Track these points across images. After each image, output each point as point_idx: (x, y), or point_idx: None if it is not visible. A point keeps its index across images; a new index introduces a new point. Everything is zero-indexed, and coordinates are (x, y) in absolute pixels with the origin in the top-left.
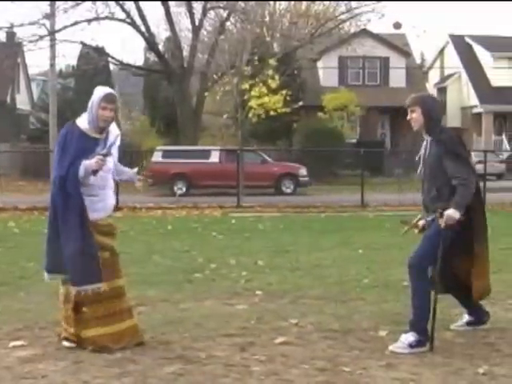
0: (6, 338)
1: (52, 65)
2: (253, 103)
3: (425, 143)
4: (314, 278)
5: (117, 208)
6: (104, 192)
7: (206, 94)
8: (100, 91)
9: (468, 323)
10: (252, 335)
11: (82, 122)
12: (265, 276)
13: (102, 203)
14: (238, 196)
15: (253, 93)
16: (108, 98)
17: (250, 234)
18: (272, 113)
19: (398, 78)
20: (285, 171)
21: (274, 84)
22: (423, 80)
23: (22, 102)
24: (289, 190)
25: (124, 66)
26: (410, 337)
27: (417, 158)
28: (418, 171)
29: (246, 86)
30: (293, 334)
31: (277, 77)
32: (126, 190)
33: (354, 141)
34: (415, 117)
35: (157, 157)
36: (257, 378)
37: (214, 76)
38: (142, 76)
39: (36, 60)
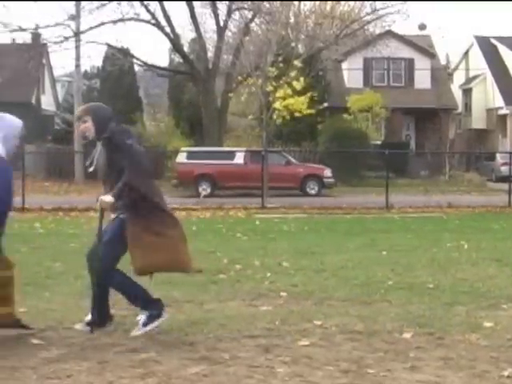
0: (31, 338)
1: (77, 66)
2: (277, 105)
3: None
4: (338, 279)
5: None
6: None
7: (231, 95)
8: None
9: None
10: (276, 336)
11: None
12: (289, 277)
13: None
14: (262, 197)
15: (277, 94)
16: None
17: (274, 236)
18: (297, 114)
19: (422, 79)
20: (309, 172)
21: (298, 85)
22: (448, 81)
23: (47, 103)
24: (313, 192)
25: (149, 67)
26: (142, 317)
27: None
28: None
29: (270, 87)
30: (317, 335)
31: (302, 78)
32: None
33: (379, 142)
34: (87, 126)
35: (181, 158)
36: (281, 380)
37: (239, 77)
38: (167, 77)
39: (61, 61)
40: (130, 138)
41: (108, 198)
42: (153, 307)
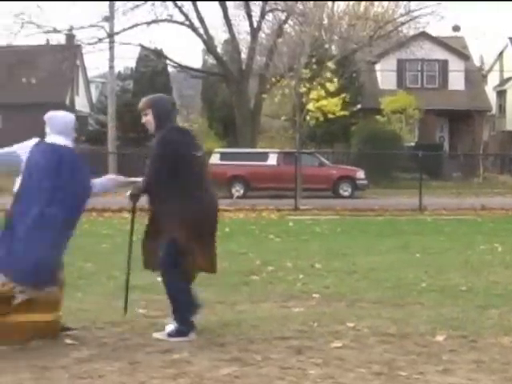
0: (64, 338)
1: (111, 67)
2: (311, 106)
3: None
4: (370, 281)
5: None
6: None
7: (264, 96)
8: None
9: None
10: (308, 338)
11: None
12: (322, 279)
13: None
14: (295, 199)
15: (311, 96)
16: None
17: (307, 237)
18: (330, 116)
19: (456, 80)
20: (342, 174)
21: (332, 87)
22: (482, 83)
23: (81, 104)
24: (346, 193)
25: (182, 68)
26: (171, 327)
27: None
28: None
29: (304, 88)
30: (349, 337)
31: (335, 80)
32: None
33: (413, 144)
34: (149, 119)
35: (215, 159)
36: (313, 381)
37: (272, 79)
38: (200, 78)
39: (95, 62)
40: (180, 141)
41: (127, 193)
42: (185, 325)
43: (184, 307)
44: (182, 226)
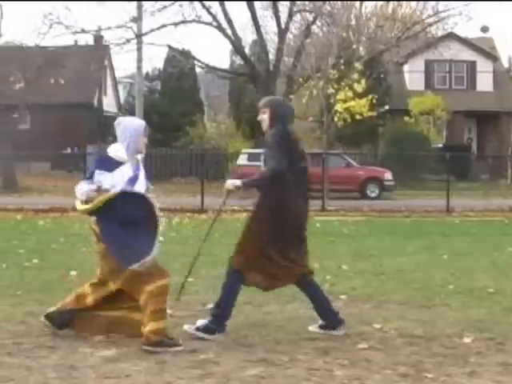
0: (89, 337)
1: (139, 67)
2: (338, 107)
3: None
4: (397, 282)
5: (202, 211)
6: None
7: (292, 97)
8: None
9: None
10: (335, 339)
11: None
12: (348, 280)
13: None
14: (322, 200)
15: (338, 96)
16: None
17: (334, 238)
18: (358, 117)
19: (484, 82)
20: (370, 175)
21: (359, 88)
22: (510, 84)
23: (109, 105)
24: (374, 194)
25: (210, 69)
26: (202, 321)
27: None
28: None
29: (331, 89)
30: (376, 338)
31: (363, 80)
32: (210, 193)
33: (440, 145)
34: (264, 118)
35: (242, 160)
36: (339, 383)
37: (300, 79)
38: (228, 79)
39: (123, 63)
40: (289, 146)
41: (237, 182)
42: (217, 324)
43: (225, 307)
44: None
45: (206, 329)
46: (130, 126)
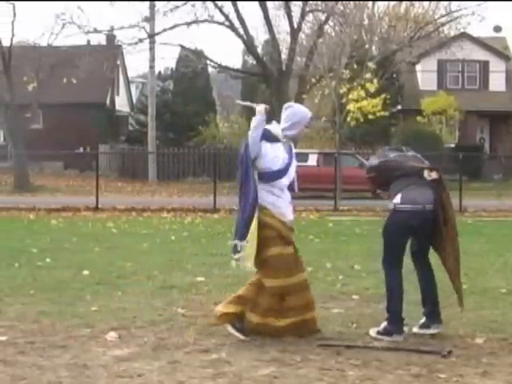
0: (102, 337)
1: (151, 67)
2: (351, 107)
3: None
4: (409, 283)
5: (214, 210)
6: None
7: (304, 97)
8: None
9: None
10: (347, 339)
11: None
12: (361, 280)
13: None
14: (335, 199)
15: (351, 96)
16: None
17: (346, 238)
18: (370, 116)
19: (497, 81)
20: None
21: (372, 87)
22: None
23: (122, 104)
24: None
25: (222, 68)
26: (382, 325)
27: None
28: None
29: (344, 89)
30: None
31: (375, 80)
32: (222, 193)
33: (453, 145)
34: None
35: None
36: (352, 383)
37: (312, 79)
38: (240, 79)
39: (135, 62)
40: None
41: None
42: (394, 324)
43: (392, 307)
44: None
45: (385, 331)
46: (298, 112)
